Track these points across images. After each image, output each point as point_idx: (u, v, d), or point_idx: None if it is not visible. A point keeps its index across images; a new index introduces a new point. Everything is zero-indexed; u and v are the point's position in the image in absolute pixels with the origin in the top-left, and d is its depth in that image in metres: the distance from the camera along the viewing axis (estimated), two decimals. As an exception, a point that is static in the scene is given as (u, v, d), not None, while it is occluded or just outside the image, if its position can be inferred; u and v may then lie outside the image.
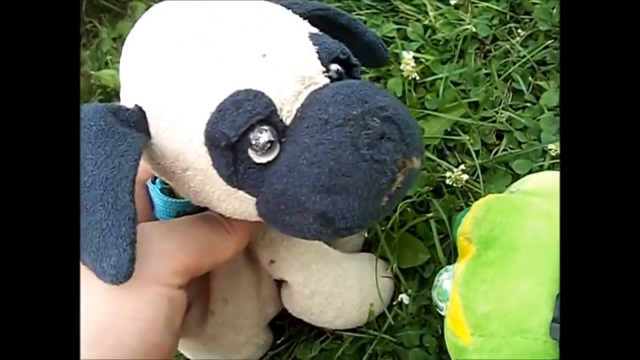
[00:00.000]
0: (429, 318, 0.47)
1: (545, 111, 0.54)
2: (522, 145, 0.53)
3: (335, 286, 0.44)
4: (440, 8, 0.64)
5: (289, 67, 0.32)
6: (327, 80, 0.33)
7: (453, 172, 0.50)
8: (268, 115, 0.30)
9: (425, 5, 0.64)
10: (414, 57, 0.57)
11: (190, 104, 0.31)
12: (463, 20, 0.61)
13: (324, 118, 0.30)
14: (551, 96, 0.55)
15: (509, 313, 0.35)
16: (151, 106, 0.32)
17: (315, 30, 0.35)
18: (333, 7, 0.39)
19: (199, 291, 0.43)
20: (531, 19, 0.60)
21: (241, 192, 0.32)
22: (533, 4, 0.61)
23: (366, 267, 0.48)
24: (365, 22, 0.65)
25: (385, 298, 0.49)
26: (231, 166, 0.31)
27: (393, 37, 0.62)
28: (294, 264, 0.43)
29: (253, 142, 0.30)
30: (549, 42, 0.58)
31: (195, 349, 0.46)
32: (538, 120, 0.54)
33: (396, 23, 0.64)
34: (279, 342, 0.50)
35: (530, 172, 0.51)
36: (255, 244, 0.42)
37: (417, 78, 0.57)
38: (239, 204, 0.33)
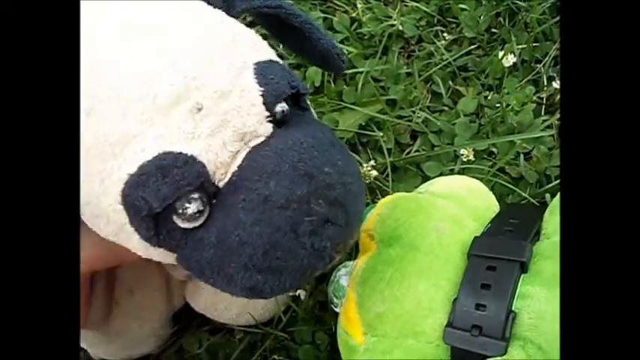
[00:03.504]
0: (324, 314, 0.46)
1: (462, 116, 0.54)
2: (435, 148, 0.52)
3: None
4: (369, 2, 0.62)
5: (229, 124, 0.27)
6: (270, 128, 0.28)
7: (362, 167, 0.48)
8: (199, 185, 0.26)
9: (354, -3, 0.62)
10: (337, 48, 0.55)
11: (105, 156, 0.26)
12: (390, 17, 0.60)
13: (263, 194, 0.26)
14: (469, 102, 0.54)
15: (403, 314, 0.34)
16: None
17: (263, 55, 0.30)
18: (287, 3, 0.34)
19: (105, 284, 0.40)
20: (458, 25, 0.60)
21: (161, 249, 0.28)
22: (462, 9, 0.61)
23: None
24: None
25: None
26: (152, 230, 0.27)
27: (318, 26, 0.60)
28: None
29: (180, 211, 0.26)
30: (472, 48, 0.58)
31: (99, 344, 0.43)
32: (453, 124, 0.53)
33: (323, 12, 0.63)
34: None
35: (441, 175, 0.50)
36: None
37: (338, 69, 0.55)
38: (157, 256, 0.30)
